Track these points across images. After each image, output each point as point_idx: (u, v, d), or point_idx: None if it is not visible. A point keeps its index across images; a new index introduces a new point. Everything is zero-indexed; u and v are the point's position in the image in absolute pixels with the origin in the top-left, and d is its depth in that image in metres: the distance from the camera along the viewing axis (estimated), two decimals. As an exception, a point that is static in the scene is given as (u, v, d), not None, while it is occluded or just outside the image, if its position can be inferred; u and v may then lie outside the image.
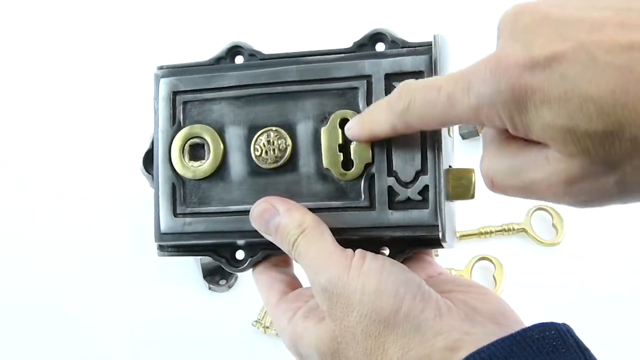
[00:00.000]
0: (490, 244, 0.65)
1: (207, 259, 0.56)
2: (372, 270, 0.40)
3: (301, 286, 0.47)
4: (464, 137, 0.69)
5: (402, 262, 0.42)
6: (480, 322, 0.39)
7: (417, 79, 0.44)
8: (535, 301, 0.64)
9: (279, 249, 0.45)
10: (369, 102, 0.46)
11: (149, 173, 0.49)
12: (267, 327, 0.64)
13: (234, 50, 0.50)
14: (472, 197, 0.46)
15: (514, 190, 0.37)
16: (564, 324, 0.38)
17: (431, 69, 0.45)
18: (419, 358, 0.38)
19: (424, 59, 0.46)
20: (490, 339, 0.37)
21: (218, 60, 0.50)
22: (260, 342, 0.64)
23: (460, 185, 0.46)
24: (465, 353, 0.37)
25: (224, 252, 0.48)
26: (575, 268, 0.66)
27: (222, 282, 0.65)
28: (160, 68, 0.50)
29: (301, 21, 0.76)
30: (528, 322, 0.38)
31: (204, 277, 0.65)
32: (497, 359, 0.36)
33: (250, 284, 0.65)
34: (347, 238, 0.45)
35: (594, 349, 0.37)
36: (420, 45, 0.46)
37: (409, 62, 0.46)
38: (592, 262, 0.66)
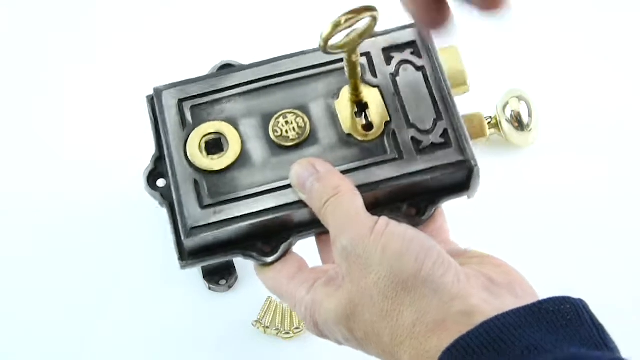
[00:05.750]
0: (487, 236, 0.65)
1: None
2: (395, 234, 0.41)
3: None
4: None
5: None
6: (497, 293, 0.40)
7: (411, 48, 0.51)
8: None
9: (308, 232, 0.49)
10: (372, 72, 0.51)
11: (155, 190, 0.51)
12: (267, 327, 0.64)
13: (225, 68, 0.53)
14: (486, 135, 0.53)
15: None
16: (580, 299, 0.39)
17: (421, 38, 0.51)
18: (435, 321, 0.38)
19: (412, 30, 0.52)
20: (506, 309, 0.38)
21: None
22: (260, 342, 0.64)
23: (474, 126, 0.52)
24: (481, 319, 0.37)
25: (251, 247, 0.49)
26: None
27: (222, 282, 0.65)
28: (156, 89, 0.52)
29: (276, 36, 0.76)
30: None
31: (204, 277, 0.65)
32: (511, 327, 0.36)
33: (250, 284, 0.66)
34: (383, 192, 0.48)
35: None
36: (405, 26, 0.52)
37: (401, 36, 0.52)
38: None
